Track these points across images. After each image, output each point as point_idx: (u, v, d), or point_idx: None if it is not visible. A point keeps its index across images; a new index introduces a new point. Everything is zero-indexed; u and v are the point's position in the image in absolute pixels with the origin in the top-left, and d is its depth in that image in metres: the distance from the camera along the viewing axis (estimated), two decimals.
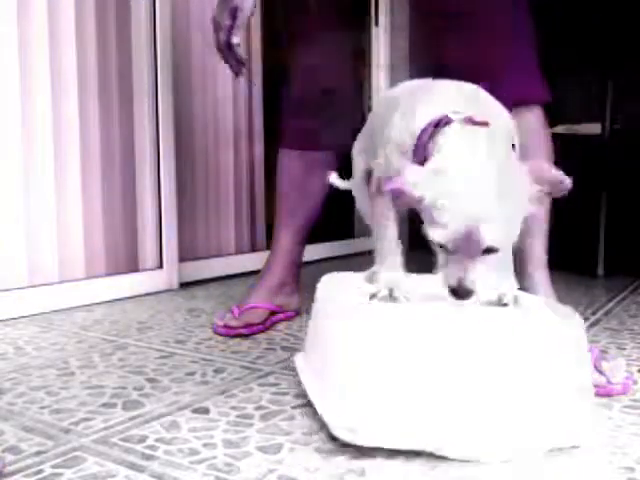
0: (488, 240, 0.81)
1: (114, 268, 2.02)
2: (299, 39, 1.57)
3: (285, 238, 1.62)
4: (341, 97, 1.58)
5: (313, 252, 2.64)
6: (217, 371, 1.27)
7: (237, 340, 1.48)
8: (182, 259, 2.20)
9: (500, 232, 0.81)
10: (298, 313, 1.67)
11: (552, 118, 2.59)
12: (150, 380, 1.22)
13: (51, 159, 1.84)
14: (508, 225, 0.82)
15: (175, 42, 2.18)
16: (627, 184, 2.42)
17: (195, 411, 1.06)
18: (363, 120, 1.31)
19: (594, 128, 2.39)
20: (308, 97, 1.56)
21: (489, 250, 0.82)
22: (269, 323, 1.57)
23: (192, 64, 2.26)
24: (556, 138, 2.52)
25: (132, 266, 2.08)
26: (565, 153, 2.50)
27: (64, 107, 1.87)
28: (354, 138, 1.53)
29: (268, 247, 2.51)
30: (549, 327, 0.90)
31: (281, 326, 1.61)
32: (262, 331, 1.53)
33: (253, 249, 2.50)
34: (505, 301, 0.93)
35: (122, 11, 2.01)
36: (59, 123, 1.85)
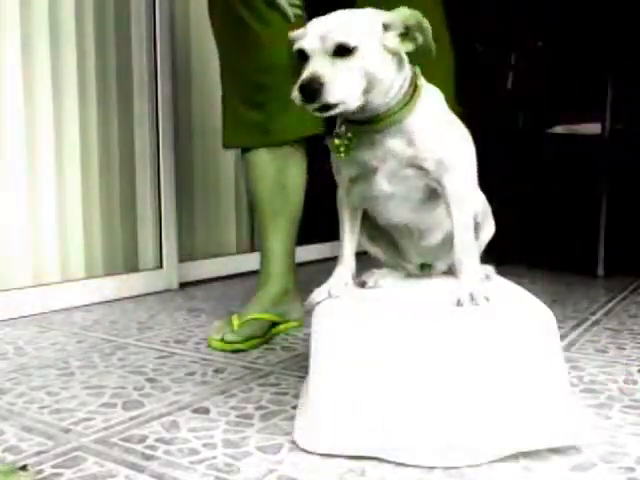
0: (338, 36, 0.85)
1: (114, 268, 2.02)
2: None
3: (275, 244, 1.54)
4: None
5: (312, 252, 2.64)
6: (217, 371, 1.27)
7: None
8: (182, 259, 2.21)
9: (350, 32, 0.86)
10: (301, 324, 1.61)
11: (552, 118, 2.61)
12: (150, 380, 1.22)
13: (52, 159, 1.84)
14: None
15: (175, 42, 2.18)
16: (627, 184, 2.42)
17: (195, 411, 1.06)
18: None
19: (594, 128, 2.39)
20: (265, 82, 1.46)
21: (343, 49, 0.85)
22: (268, 336, 1.49)
23: (192, 64, 2.26)
24: (556, 138, 2.54)
25: (132, 266, 2.08)
26: (565, 153, 2.51)
27: (65, 108, 1.87)
28: (321, 123, 1.50)
29: None
30: (518, 325, 0.90)
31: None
32: (261, 345, 1.45)
33: (253, 249, 2.50)
34: (477, 301, 0.92)
35: (121, 11, 2.01)
36: (60, 124, 1.86)
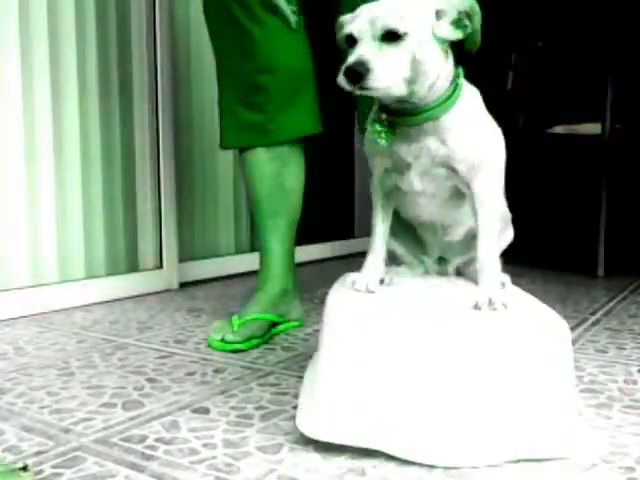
0: (389, 21, 0.84)
1: (114, 268, 2.02)
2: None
3: (274, 244, 1.53)
4: (298, 78, 1.47)
5: (313, 252, 2.64)
6: (217, 371, 1.27)
7: None
8: (182, 259, 2.21)
9: (401, 18, 0.85)
10: (301, 324, 1.62)
11: (552, 118, 2.61)
12: (150, 380, 1.22)
13: (51, 159, 1.84)
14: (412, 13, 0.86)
15: (175, 42, 2.18)
16: (627, 184, 2.42)
17: (195, 411, 1.06)
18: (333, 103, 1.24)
19: (594, 128, 2.39)
20: (260, 82, 1.45)
21: (392, 35, 0.85)
22: (268, 336, 1.49)
23: (192, 64, 2.26)
24: (556, 138, 2.54)
25: (132, 266, 2.08)
26: (565, 153, 2.51)
27: (65, 108, 1.87)
28: (319, 123, 1.51)
29: None
30: (533, 333, 0.90)
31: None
32: (260, 345, 1.45)
33: (253, 249, 2.50)
34: (495, 306, 0.92)
35: (122, 11, 2.01)
36: (60, 124, 1.86)
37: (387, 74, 0.85)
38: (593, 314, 1.76)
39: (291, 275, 1.57)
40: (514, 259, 2.56)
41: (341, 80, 0.85)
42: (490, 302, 0.92)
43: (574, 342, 1.48)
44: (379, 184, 1.03)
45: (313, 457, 0.89)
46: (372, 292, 1.00)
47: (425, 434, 0.86)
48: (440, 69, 0.91)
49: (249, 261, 2.39)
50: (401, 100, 0.92)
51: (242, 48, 1.46)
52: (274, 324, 1.52)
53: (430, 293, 1.01)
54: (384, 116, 0.94)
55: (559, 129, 2.53)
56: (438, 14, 0.89)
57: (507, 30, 2.76)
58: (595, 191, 2.37)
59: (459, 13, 0.89)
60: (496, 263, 0.98)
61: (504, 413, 0.86)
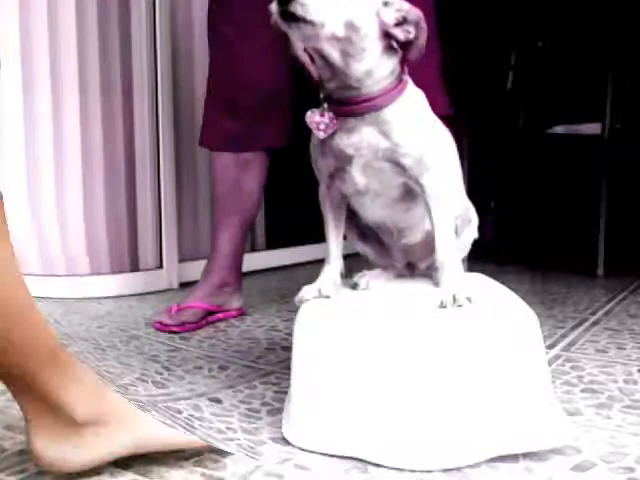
0: None
1: (114, 268, 2.02)
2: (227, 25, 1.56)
3: (223, 240, 1.66)
4: (275, 95, 1.57)
5: (310, 253, 2.64)
6: (222, 368, 1.29)
7: (237, 339, 1.50)
8: (182, 259, 2.21)
9: None
10: (243, 312, 1.72)
11: (552, 118, 2.61)
12: (166, 368, 1.22)
13: (52, 159, 1.84)
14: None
15: (175, 42, 2.18)
16: (627, 184, 2.42)
17: (211, 400, 1.10)
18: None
19: (594, 128, 2.39)
20: (240, 96, 1.56)
21: None
22: (204, 323, 1.61)
23: (192, 64, 2.26)
24: (556, 138, 2.54)
25: (132, 266, 2.08)
26: (565, 153, 2.52)
27: (65, 108, 1.87)
28: (288, 137, 1.60)
29: (268, 247, 2.52)
30: (500, 326, 0.90)
31: (281, 326, 1.62)
32: (195, 329, 1.57)
33: (253, 249, 2.50)
34: (459, 303, 0.92)
35: (123, 10, 2.01)
36: (60, 123, 1.86)
37: (321, 5, 0.82)
38: (593, 314, 1.76)
39: (234, 270, 1.69)
40: (514, 259, 2.56)
41: (272, 7, 0.84)
42: (454, 299, 0.92)
43: (574, 342, 1.48)
44: (326, 194, 1.03)
45: (314, 456, 0.90)
46: (326, 296, 1.00)
47: (401, 439, 0.86)
48: (377, 56, 0.90)
49: (248, 261, 2.38)
50: (341, 87, 0.91)
51: (228, 63, 1.58)
52: (210, 313, 1.63)
53: (401, 296, 1.00)
54: (325, 105, 0.93)
55: (559, 129, 2.54)
56: (385, 4, 0.90)
57: (507, 30, 2.76)
58: (595, 191, 2.37)
59: (403, 18, 0.89)
60: (455, 258, 0.98)
61: (480, 410, 0.86)
